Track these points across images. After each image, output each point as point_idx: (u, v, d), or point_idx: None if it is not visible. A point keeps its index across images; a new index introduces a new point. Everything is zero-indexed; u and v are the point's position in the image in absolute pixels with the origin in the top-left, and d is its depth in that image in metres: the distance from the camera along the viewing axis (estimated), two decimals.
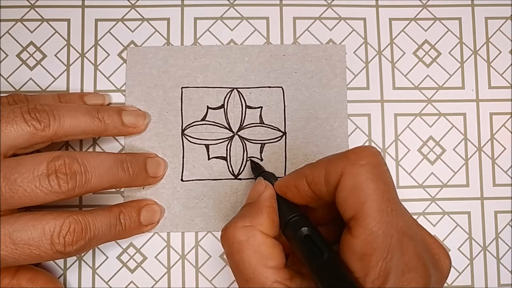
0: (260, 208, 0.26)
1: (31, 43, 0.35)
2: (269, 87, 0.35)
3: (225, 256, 0.33)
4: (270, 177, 0.30)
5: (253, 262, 0.24)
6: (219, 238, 0.33)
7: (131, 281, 0.33)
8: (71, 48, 0.35)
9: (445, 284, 0.32)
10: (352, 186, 0.22)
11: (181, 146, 0.34)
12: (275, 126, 0.34)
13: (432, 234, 0.27)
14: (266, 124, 0.34)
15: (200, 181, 0.34)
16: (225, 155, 0.34)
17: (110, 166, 0.28)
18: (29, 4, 0.35)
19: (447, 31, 0.36)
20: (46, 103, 0.29)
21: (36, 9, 0.35)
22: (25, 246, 0.26)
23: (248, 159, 0.34)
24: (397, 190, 0.24)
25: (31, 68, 0.34)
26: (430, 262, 0.22)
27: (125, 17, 0.35)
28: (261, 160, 0.34)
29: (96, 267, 0.33)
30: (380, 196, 0.22)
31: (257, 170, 0.32)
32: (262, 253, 0.24)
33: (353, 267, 0.22)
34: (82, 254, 0.33)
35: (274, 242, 0.25)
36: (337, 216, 0.24)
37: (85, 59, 0.35)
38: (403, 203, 0.24)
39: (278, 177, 0.30)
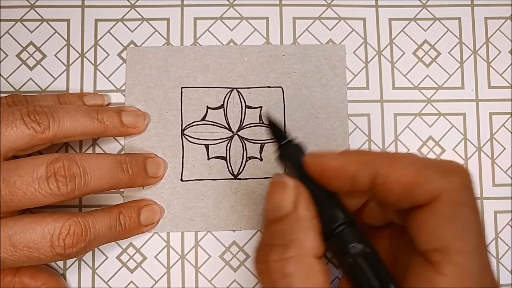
0: (305, 225, 0.20)
1: (31, 43, 0.35)
2: (269, 87, 0.35)
3: (224, 256, 0.33)
4: (296, 152, 0.22)
5: None
6: (219, 238, 0.33)
7: (131, 281, 0.33)
8: (71, 48, 0.35)
9: None
10: (450, 216, 0.19)
11: (181, 146, 0.34)
12: None
13: None
14: (266, 124, 0.34)
15: (200, 181, 0.34)
16: (224, 155, 0.34)
17: (109, 167, 0.28)
18: (29, 4, 0.35)
19: (446, 31, 0.36)
20: (45, 104, 0.29)
21: (36, 9, 0.35)
22: (25, 248, 0.26)
23: (262, 120, 0.33)
24: None
25: (31, 68, 0.34)
26: None
27: (125, 17, 0.35)
28: (261, 160, 0.34)
29: (96, 267, 0.33)
30: (479, 231, 0.19)
31: (279, 136, 0.24)
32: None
33: None
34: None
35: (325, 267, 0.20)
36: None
37: (85, 59, 0.35)
38: None
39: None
